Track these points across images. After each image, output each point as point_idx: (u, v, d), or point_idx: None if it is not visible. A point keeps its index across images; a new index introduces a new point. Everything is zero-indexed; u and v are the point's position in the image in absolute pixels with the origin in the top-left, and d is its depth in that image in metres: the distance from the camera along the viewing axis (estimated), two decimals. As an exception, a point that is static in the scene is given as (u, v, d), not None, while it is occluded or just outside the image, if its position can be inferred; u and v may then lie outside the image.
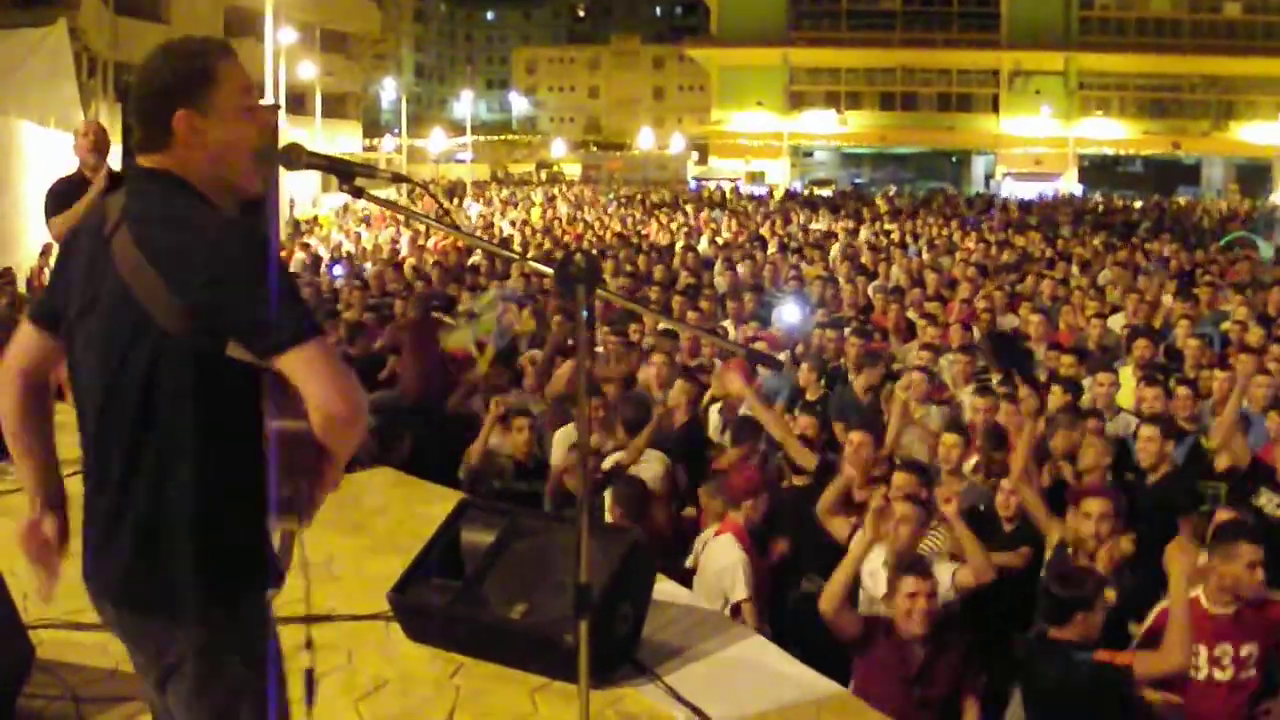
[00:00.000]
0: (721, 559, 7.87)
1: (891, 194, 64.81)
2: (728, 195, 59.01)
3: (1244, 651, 6.51)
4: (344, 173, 3.55)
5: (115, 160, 9.30)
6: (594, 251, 23.92)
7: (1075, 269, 20.90)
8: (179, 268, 3.14)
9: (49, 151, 22.60)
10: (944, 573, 7.32)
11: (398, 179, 3.88)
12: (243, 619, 3.38)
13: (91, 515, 3.40)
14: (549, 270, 3.52)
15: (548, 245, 27.38)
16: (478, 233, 29.85)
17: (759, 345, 12.69)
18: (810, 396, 11.57)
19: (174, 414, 3.23)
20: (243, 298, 3.09)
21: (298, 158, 3.47)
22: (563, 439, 10.04)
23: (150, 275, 3.16)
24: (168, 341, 3.17)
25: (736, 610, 7.66)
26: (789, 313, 14.66)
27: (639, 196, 55.68)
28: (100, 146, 9.10)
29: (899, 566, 7.16)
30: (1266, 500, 8.60)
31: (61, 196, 8.85)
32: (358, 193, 3.59)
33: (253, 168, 3.43)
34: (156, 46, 3.39)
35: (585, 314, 3.46)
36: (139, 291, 3.18)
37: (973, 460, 9.50)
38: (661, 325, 13.08)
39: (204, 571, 3.29)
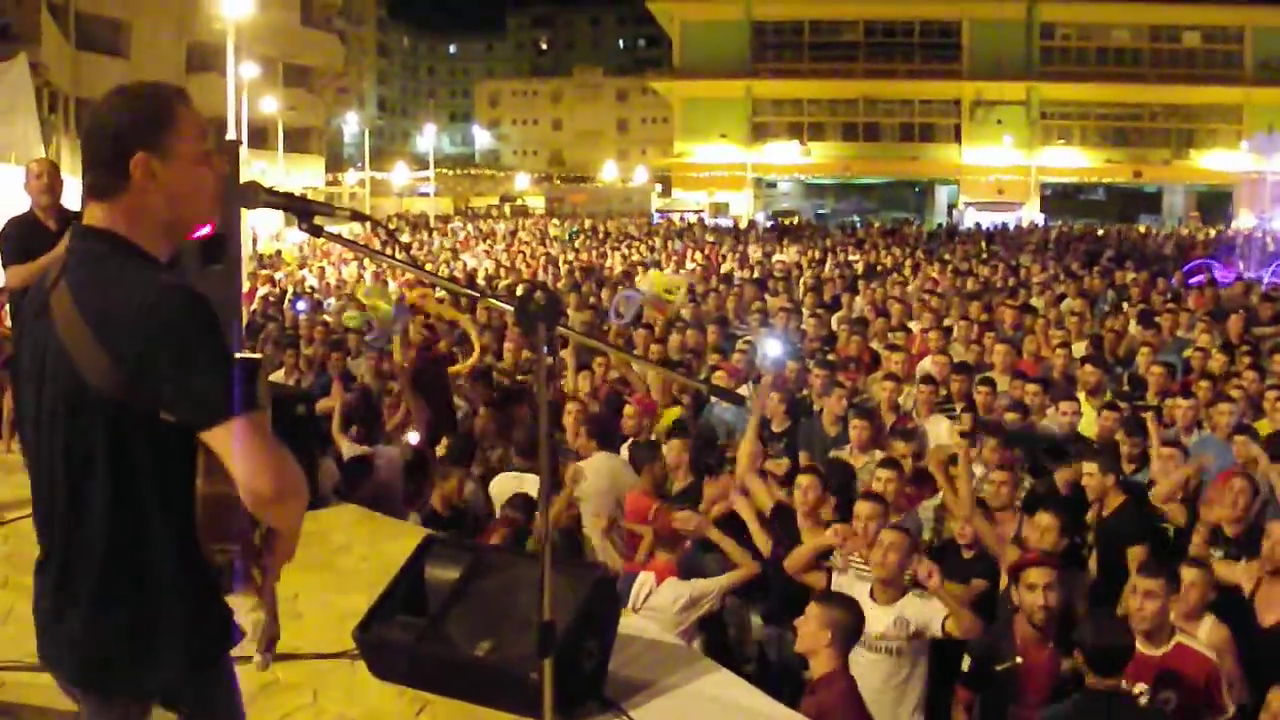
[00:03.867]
0: (676, 600, 7.97)
1: (856, 224, 65.25)
2: (693, 226, 59.22)
3: (1161, 697, 6.57)
4: (301, 211, 3.52)
5: (71, 198, 9.22)
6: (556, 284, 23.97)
7: (1037, 298, 20.95)
8: (113, 331, 3.09)
9: (9, 188, 22.45)
10: (936, 609, 7.39)
11: (356, 217, 3.84)
12: (213, 683, 3.36)
13: (41, 588, 3.37)
14: (509, 307, 3.51)
15: (510, 280, 27.32)
16: (443, 268, 29.88)
17: (719, 376, 12.73)
18: (776, 428, 11.61)
19: (113, 479, 3.18)
20: (172, 367, 3.04)
21: (255, 196, 3.44)
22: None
23: (85, 335, 3.11)
24: (102, 402, 3.12)
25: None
26: (771, 348, 14.60)
27: (600, 231, 55.58)
28: (53, 186, 9.00)
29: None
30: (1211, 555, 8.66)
31: (14, 240, 8.74)
32: (316, 231, 3.55)
33: (210, 209, 3.39)
34: (111, 90, 3.35)
35: (546, 350, 3.46)
36: (73, 350, 3.13)
37: (938, 496, 9.62)
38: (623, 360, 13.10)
39: (160, 641, 3.24)
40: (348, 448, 11.35)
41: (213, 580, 3.28)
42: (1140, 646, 6.66)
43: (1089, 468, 9.33)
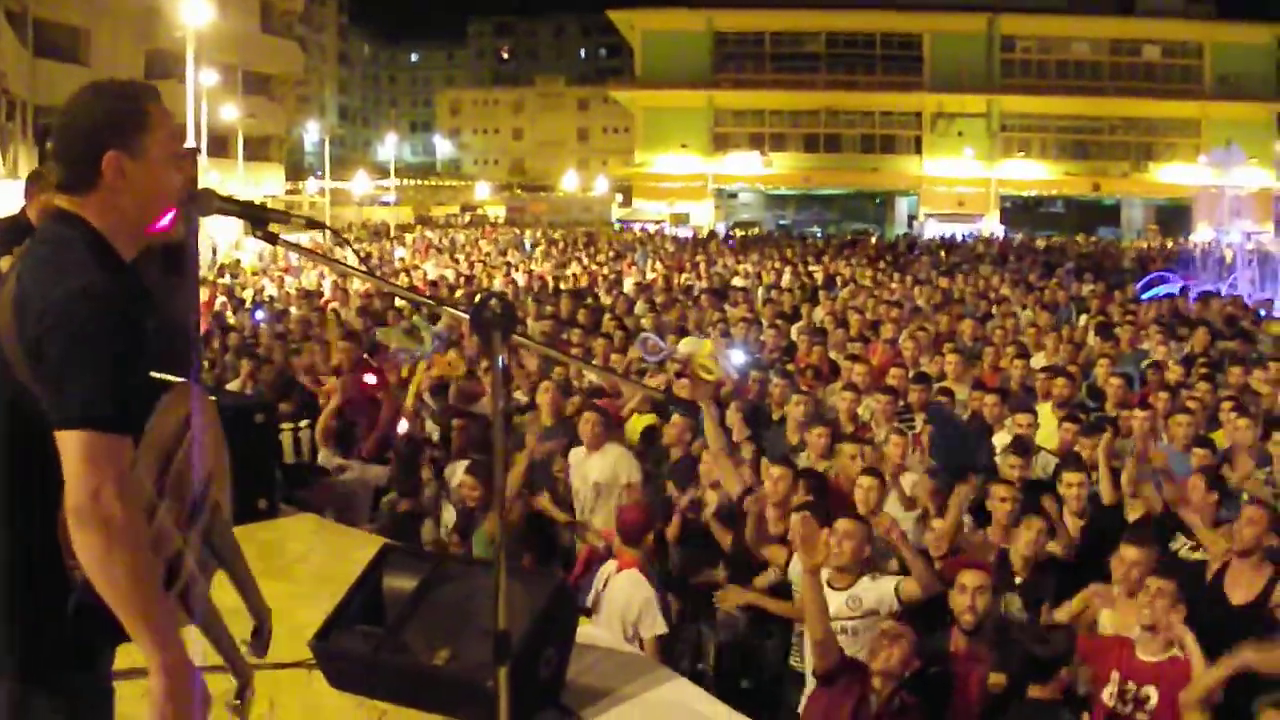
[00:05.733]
0: (630, 594, 7.91)
1: (818, 235, 65.49)
2: (653, 236, 59.27)
3: (1141, 694, 6.60)
4: (256, 219, 3.50)
5: (13, 202, 9.15)
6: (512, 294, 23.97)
7: (996, 309, 21.06)
8: (24, 313, 3.09)
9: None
10: (887, 586, 7.46)
11: (312, 224, 3.82)
12: (63, 691, 3.31)
13: None
14: (464, 316, 3.50)
15: (468, 289, 27.23)
16: (403, 277, 29.83)
17: (683, 383, 12.73)
18: (736, 437, 11.59)
19: (12, 465, 3.18)
20: (53, 364, 3.03)
21: (209, 204, 3.43)
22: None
23: (9, 318, 3.12)
24: (19, 386, 3.12)
25: (641, 645, 7.72)
26: (736, 357, 14.65)
27: (561, 241, 55.52)
28: None
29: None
30: (1180, 544, 8.68)
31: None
32: (271, 238, 3.53)
33: (175, 213, 3.39)
34: (86, 85, 3.36)
35: (500, 359, 3.45)
36: (2, 332, 3.14)
37: (892, 498, 9.61)
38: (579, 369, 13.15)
39: (12, 632, 3.23)
40: (325, 456, 11.42)
41: (64, 597, 3.18)
42: (1140, 653, 6.68)
43: (1074, 476, 9.40)
